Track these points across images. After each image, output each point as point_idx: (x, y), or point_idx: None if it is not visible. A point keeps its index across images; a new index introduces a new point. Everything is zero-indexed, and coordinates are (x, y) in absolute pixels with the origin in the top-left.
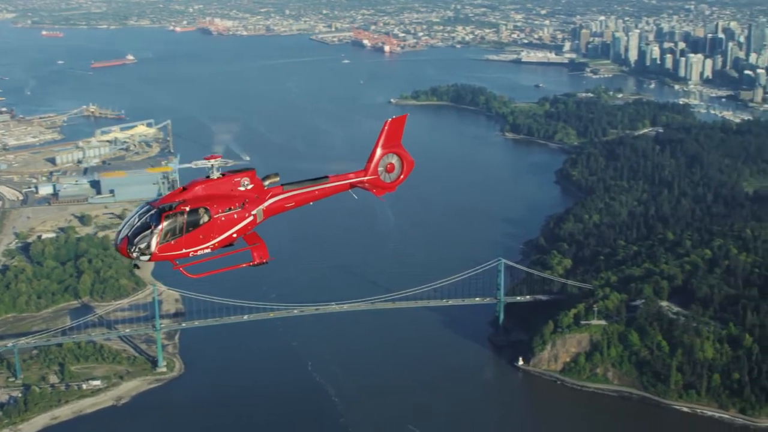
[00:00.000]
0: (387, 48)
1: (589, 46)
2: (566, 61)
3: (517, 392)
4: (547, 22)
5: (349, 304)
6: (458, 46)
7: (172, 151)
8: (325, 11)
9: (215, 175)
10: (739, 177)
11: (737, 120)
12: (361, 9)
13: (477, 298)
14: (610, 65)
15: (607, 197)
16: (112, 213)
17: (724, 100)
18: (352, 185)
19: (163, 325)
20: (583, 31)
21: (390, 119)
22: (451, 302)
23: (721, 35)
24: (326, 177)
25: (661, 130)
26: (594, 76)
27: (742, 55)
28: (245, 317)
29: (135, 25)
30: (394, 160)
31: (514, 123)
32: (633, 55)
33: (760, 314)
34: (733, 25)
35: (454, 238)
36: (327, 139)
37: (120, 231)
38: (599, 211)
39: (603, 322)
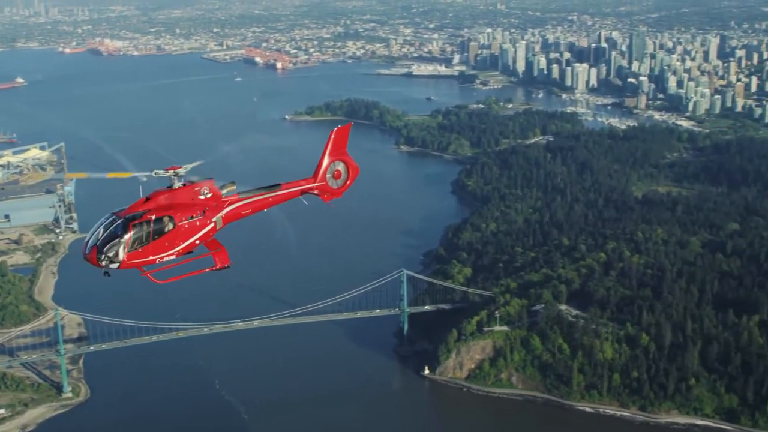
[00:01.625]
0: (279, 65)
1: (478, 58)
2: (456, 73)
3: (424, 401)
4: (435, 35)
5: (256, 321)
6: (350, 61)
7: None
8: (215, 29)
9: (176, 184)
10: (627, 182)
11: (623, 126)
12: (251, 27)
13: (381, 310)
14: (499, 76)
15: (503, 206)
16: (8, 238)
17: (609, 107)
18: (303, 192)
19: (66, 350)
20: (472, 43)
21: (335, 129)
22: (355, 315)
23: (604, 45)
24: (278, 185)
25: (551, 139)
26: (484, 88)
27: (624, 63)
28: (154, 338)
29: (23, 47)
30: (340, 167)
31: (408, 136)
32: (521, 66)
33: (654, 313)
34: (615, 34)
35: (355, 251)
36: (224, 157)
37: (88, 241)
38: (496, 220)
39: (505, 328)
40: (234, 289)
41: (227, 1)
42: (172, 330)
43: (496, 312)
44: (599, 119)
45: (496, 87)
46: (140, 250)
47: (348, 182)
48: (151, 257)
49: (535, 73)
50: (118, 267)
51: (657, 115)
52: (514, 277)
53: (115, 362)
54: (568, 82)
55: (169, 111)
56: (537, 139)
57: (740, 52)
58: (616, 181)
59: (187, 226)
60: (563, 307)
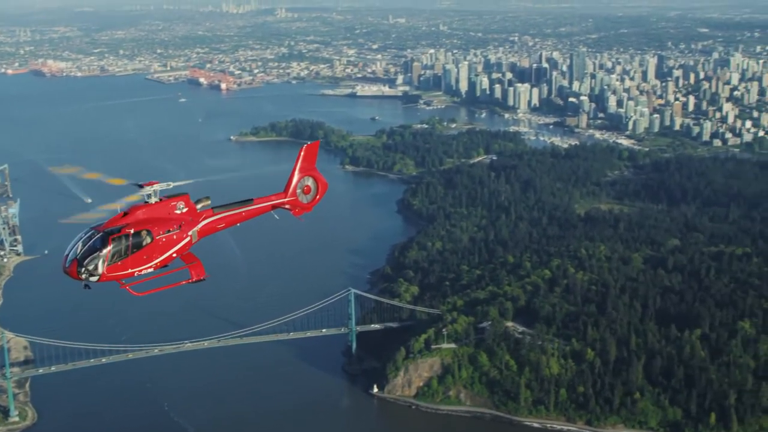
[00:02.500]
0: (223, 86)
1: (421, 78)
2: (400, 93)
3: (372, 419)
4: (379, 56)
5: (205, 341)
6: (294, 81)
7: (10, 195)
8: (159, 50)
9: (153, 199)
10: (570, 199)
11: (565, 145)
12: (195, 48)
13: (329, 329)
14: (442, 96)
15: (448, 224)
16: None
17: (551, 126)
18: (274, 206)
19: (13, 374)
20: (415, 64)
21: (305, 145)
22: (304, 334)
23: (545, 65)
24: (251, 200)
25: (494, 158)
26: (427, 108)
27: (565, 83)
28: (103, 359)
29: None
30: (309, 182)
31: (353, 156)
32: (464, 86)
33: (599, 329)
34: (555, 55)
35: (303, 270)
36: (169, 178)
37: (67, 255)
38: (441, 238)
39: (453, 346)
40: (182, 309)
41: (171, 22)
42: (120, 352)
43: (444, 329)
44: (541, 138)
45: (439, 107)
46: (119, 263)
47: (317, 197)
48: (129, 270)
49: (478, 93)
50: (98, 280)
51: (598, 134)
52: (460, 294)
53: (62, 385)
54: (511, 102)
55: (114, 132)
56: (481, 158)
57: (677, 72)
58: (559, 199)
59: (164, 239)
60: (510, 323)
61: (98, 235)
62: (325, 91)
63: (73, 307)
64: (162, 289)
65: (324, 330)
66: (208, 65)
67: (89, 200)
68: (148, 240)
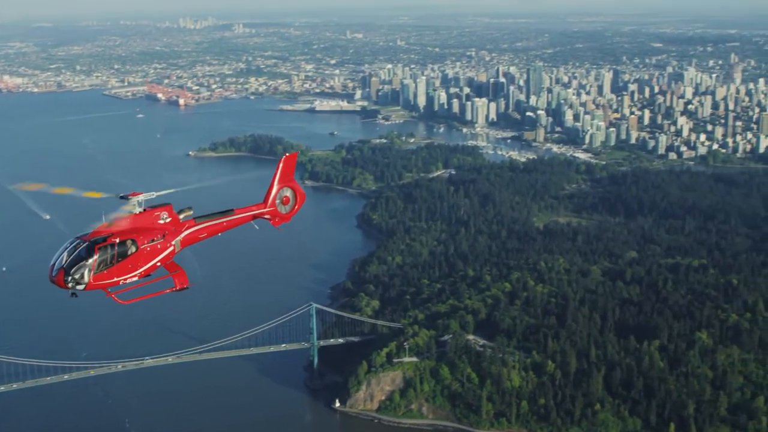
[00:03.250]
0: (182, 101)
1: (380, 93)
2: (358, 108)
3: None
4: (337, 71)
5: (166, 357)
6: (252, 97)
7: None
8: (116, 66)
9: (137, 210)
10: (529, 213)
11: (523, 159)
12: (153, 63)
13: (290, 344)
14: (400, 111)
15: (408, 238)
16: None
17: (509, 140)
18: (254, 216)
19: None
20: (373, 79)
21: (283, 157)
22: (265, 349)
23: (502, 80)
24: (232, 210)
25: (453, 172)
26: (386, 123)
27: (522, 98)
28: (65, 376)
29: None
30: (288, 193)
31: (313, 170)
32: (422, 101)
33: (559, 341)
34: (512, 69)
35: (263, 285)
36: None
37: (53, 265)
38: (401, 253)
39: (415, 359)
40: (141, 324)
41: (128, 38)
42: (82, 368)
43: (405, 343)
44: (499, 152)
45: (397, 122)
46: (105, 272)
47: (296, 207)
48: (115, 279)
49: (436, 107)
50: (84, 289)
51: (555, 148)
52: (421, 308)
53: (24, 403)
54: (468, 117)
55: (71, 148)
56: (440, 173)
57: (633, 86)
58: (518, 212)
59: (148, 249)
60: (471, 337)
61: (84, 245)
62: (283, 107)
63: (32, 324)
64: (147, 297)
65: (285, 345)
66: (166, 81)
67: (47, 216)
68: (133, 249)
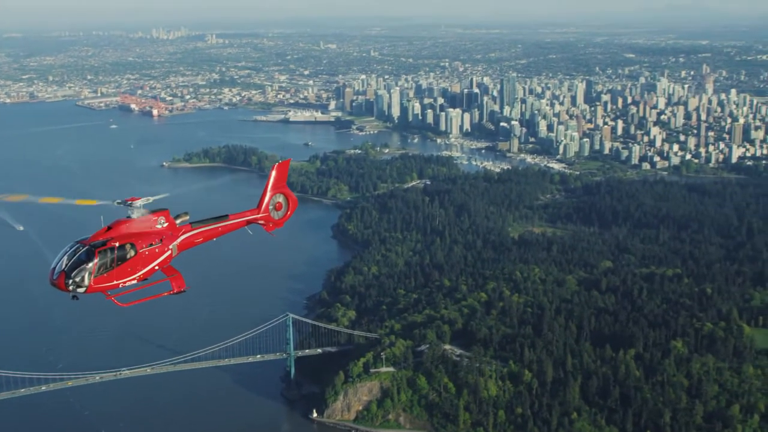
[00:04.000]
0: (155, 112)
1: (354, 104)
2: (333, 119)
3: None
4: (311, 82)
5: (142, 368)
6: (226, 107)
7: None
8: (89, 76)
9: (135, 214)
10: (504, 223)
11: (497, 169)
12: (126, 74)
13: (267, 355)
14: (374, 122)
15: (384, 249)
16: None
17: (483, 151)
18: (248, 222)
19: None
20: (347, 89)
21: (276, 164)
22: (242, 360)
23: (476, 90)
24: (227, 215)
25: (428, 182)
26: (360, 133)
27: (496, 108)
28: (43, 387)
29: None
30: (281, 199)
31: (287, 181)
32: (396, 112)
33: (536, 350)
34: (486, 80)
35: (238, 296)
36: (102, 205)
37: (54, 268)
38: (377, 263)
39: (392, 369)
40: (117, 335)
41: (100, 48)
42: (56, 380)
43: (382, 353)
44: (474, 163)
45: (372, 132)
46: (105, 275)
47: (288, 213)
48: (115, 282)
49: (410, 118)
50: (85, 291)
51: (529, 158)
52: (397, 318)
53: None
54: (443, 127)
55: (45, 159)
56: (414, 183)
57: (606, 97)
58: (493, 222)
59: (147, 252)
60: (447, 346)
61: (84, 248)
62: (257, 117)
63: (5, 336)
64: (146, 300)
65: (259, 356)
66: (139, 91)
67: (21, 227)
68: (132, 253)
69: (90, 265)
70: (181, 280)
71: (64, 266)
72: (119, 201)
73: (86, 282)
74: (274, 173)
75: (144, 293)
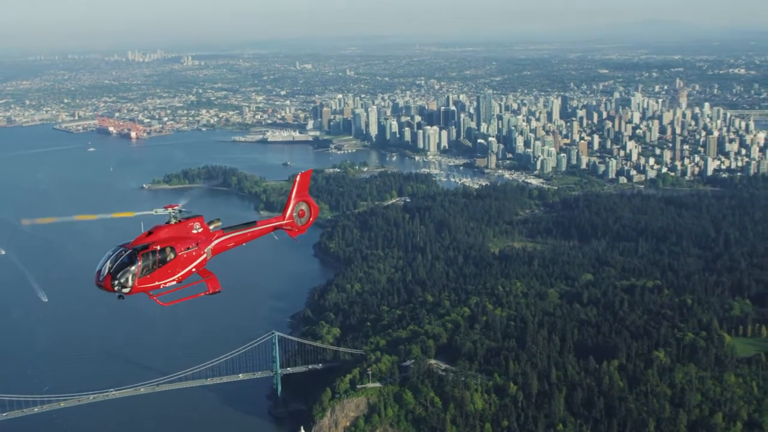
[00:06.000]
0: (133, 134)
1: (331, 123)
2: (311, 138)
3: None
4: (288, 102)
5: (132, 389)
6: (204, 129)
7: None
8: (66, 100)
9: (173, 220)
10: (484, 238)
11: (476, 186)
12: (103, 97)
13: (254, 373)
14: (353, 141)
15: (366, 266)
16: None
17: (461, 168)
18: (275, 228)
19: None
20: (324, 109)
21: (300, 173)
22: (229, 379)
23: (452, 108)
24: (255, 222)
25: (408, 200)
26: (339, 152)
27: (473, 125)
28: (35, 409)
29: None
30: (304, 206)
31: (267, 201)
32: (374, 130)
33: (520, 363)
34: (462, 97)
35: (222, 314)
36: (83, 227)
37: (100, 270)
38: (360, 280)
39: (378, 385)
40: (100, 356)
41: (76, 72)
42: (44, 402)
43: (368, 369)
44: (452, 179)
45: (350, 151)
46: (148, 276)
47: (311, 219)
48: (156, 282)
49: (388, 136)
50: (129, 292)
51: (507, 174)
52: (382, 334)
53: None
54: (420, 145)
55: (24, 182)
56: (394, 201)
57: (581, 112)
58: (474, 238)
59: (185, 255)
60: (432, 361)
61: (128, 252)
62: (236, 138)
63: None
64: (185, 300)
65: (242, 375)
66: (117, 114)
67: (2, 252)
68: (172, 256)
69: (134, 267)
70: (216, 282)
71: (109, 269)
72: (158, 209)
73: (130, 283)
74: (297, 182)
75: (183, 293)
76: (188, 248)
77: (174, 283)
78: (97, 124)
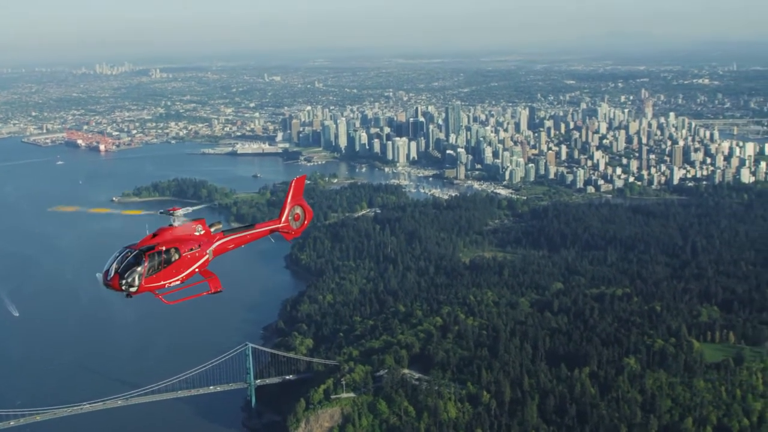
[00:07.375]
0: (102, 147)
1: (301, 135)
2: (280, 150)
3: None
4: (257, 114)
5: (103, 402)
6: (173, 141)
7: None
8: (34, 113)
9: (177, 223)
10: (455, 249)
11: (446, 197)
12: (71, 109)
13: (227, 385)
14: (322, 152)
15: (338, 277)
16: None
17: (431, 179)
18: (272, 230)
19: None
20: (294, 121)
21: (295, 179)
22: (201, 391)
23: (421, 119)
24: (253, 225)
25: (378, 211)
26: (308, 164)
27: (442, 136)
28: (11, 423)
29: None
30: (299, 210)
31: (238, 213)
32: (343, 142)
33: (493, 371)
34: (431, 109)
35: (193, 326)
36: (55, 242)
37: (107, 270)
38: (332, 291)
39: (352, 395)
40: (76, 370)
41: (44, 84)
42: (19, 416)
43: (342, 379)
44: (422, 190)
45: (320, 163)
46: (154, 276)
47: (305, 223)
48: (162, 282)
49: (357, 148)
50: (136, 291)
51: (476, 185)
52: (355, 345)
53: None
54: (390, 156)
55: None
56: (365, 212)
57: (549, 123)
58: (444, 248)
59: (189, 256)
60: (406, 371)
61: (134, 252)
62: (205, 150)
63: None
64: (189, 299)
65: (213, 387)
66: (86, 127)
67: None
68: (177, 256)
69: (140, 267)
70: (218, 282)
71: (117, 269)
72: (162, 211)
73: (137, 282)
74: (293, 187)
75: (186, 293)
76: (191, 249)
77: (178, 282)
78: (66, 137)
